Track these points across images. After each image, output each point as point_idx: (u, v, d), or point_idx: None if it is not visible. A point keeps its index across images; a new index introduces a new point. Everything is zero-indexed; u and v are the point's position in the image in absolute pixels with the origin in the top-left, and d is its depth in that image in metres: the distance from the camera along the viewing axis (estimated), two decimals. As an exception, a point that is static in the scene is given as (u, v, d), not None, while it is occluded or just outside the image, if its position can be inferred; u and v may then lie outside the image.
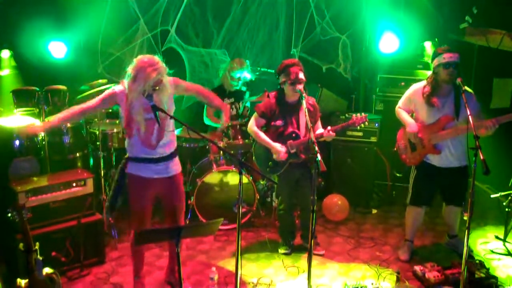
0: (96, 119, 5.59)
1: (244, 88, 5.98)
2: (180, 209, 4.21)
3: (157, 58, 3.76)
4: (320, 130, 4.74)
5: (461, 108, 4.44)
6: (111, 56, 6.14)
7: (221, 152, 5.58)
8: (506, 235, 5.15)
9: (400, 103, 4.83)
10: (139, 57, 3.77)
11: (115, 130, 5.54)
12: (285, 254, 4.98)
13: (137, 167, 3.97)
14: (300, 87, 4.55)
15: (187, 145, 5.67)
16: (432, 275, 4.39)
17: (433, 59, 4.56)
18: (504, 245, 5.10)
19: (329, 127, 4.63)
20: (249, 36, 6.46)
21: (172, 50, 6.30)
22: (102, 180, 5.33)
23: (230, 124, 5.41)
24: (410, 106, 4.75)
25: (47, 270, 3.83)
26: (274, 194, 5.55)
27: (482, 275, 4.35)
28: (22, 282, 3.70)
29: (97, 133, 5.45)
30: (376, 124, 5.94)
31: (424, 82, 4.65)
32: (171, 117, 3.78)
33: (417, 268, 4.55)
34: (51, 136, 5.48)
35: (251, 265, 4.79)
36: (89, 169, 5.65)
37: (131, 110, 3.79)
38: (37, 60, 5.99)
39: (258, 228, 5.51)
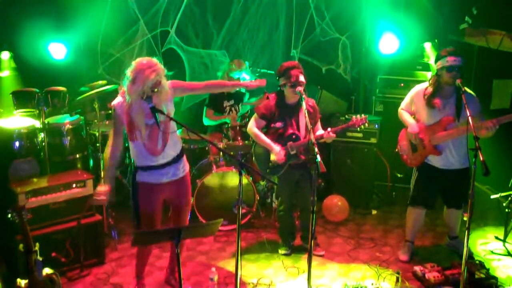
0: (96, 121, 5.58)
1: (243, 90, 5.97)
2: (187, 210, 4.22)
3: (155, 60, 3.76)
4: (320, 131, 4.74)
5: (462, 110, 4.42)
6: (111, 57, 6.13)
7: (221, 153, 5.58)
8: (506, 235, 5.15)
9: (403, 104, 4.84)
10: (138, 59, 3.77)
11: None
12: (285, 254, 4.98)
13: (147, 174, 3.95)
14: (300, 89, 4.55)
15: (187, 146, 5.66)
16: (432, 275, 4.40)
17: (436, 60, 4.54)
18: (504, 245, 5.10)
19: (329, 129, 4.62)
20: (249, 36, 6.46)
21: (172, 52, 6.30)
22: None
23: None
24: (411, 107, 4.76)
25: (47, 271, 3.84)
26: (274, 195, 5.55)
27: (482, 275, 4.35)
28: (22, 282, 3.71)
29: (97, 134, 5.46)
30: (376, 125, 5.94)
31: (426, 84, 4.65)
32: (171, 119, 3.78)
33: (417, 268, 4.55)
34: (51, 137, 5.49)
35: (251, 266, 4.79)
36: (89, 170, 5.64)
37: (131, 113, 3.79)
38: (37, 61, 5.99)
39: (258, 229, 5.50)
